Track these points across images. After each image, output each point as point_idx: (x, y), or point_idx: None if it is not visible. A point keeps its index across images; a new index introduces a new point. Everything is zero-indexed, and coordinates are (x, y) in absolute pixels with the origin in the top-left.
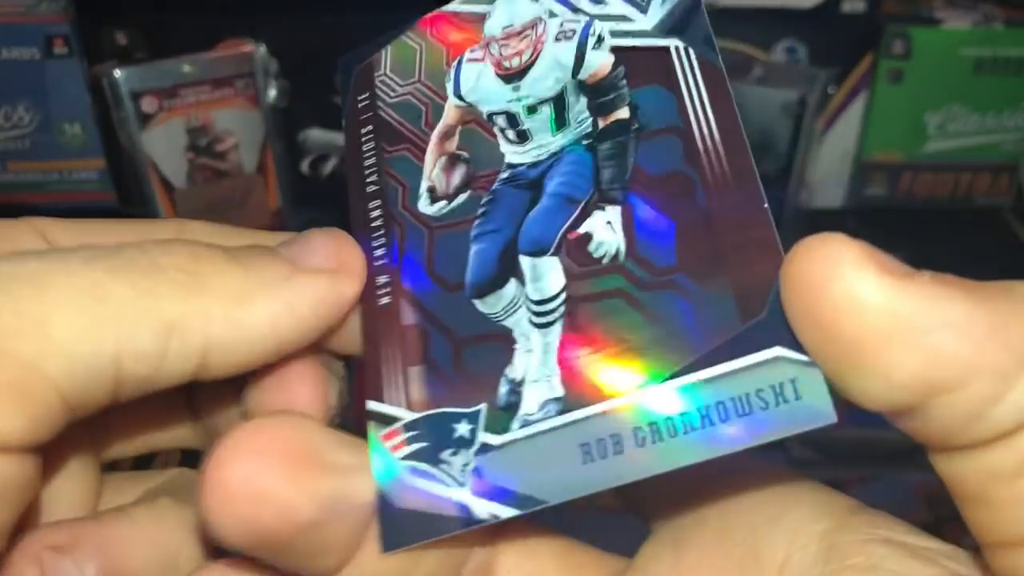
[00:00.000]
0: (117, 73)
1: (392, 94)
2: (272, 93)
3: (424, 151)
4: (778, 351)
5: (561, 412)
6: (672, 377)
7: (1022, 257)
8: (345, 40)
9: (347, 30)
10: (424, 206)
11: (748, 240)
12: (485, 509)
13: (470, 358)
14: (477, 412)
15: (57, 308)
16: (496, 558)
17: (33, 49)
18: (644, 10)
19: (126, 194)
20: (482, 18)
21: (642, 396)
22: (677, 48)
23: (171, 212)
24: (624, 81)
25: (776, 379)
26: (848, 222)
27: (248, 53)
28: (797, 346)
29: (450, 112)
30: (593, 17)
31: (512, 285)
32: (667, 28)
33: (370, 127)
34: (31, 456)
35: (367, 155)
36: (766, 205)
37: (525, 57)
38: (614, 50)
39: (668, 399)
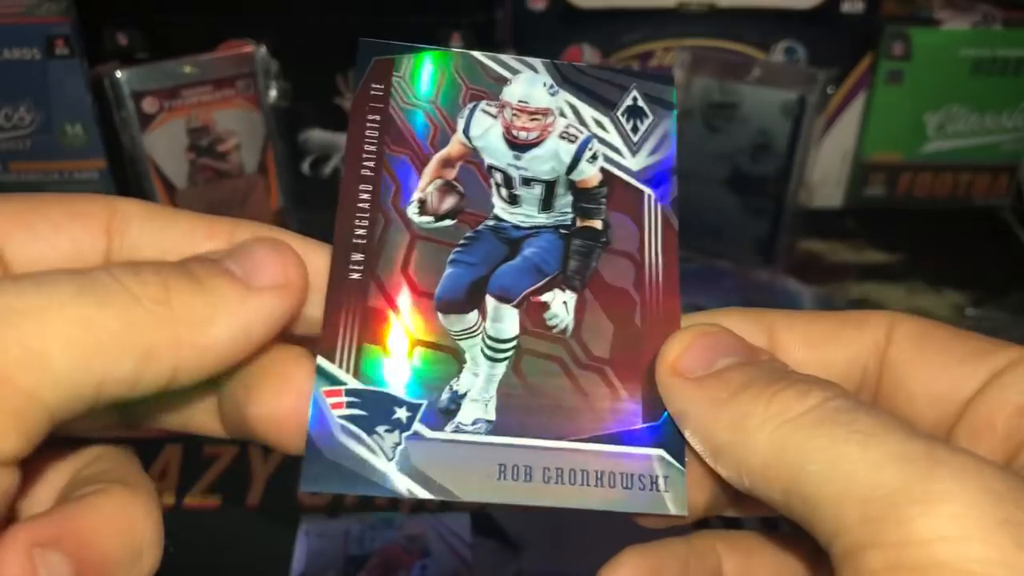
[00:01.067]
0: (118, 74)
1: (406, 100)
2: (273, 94)
3: (423, 164)
4: (661, 452)
5: (489, 432)
6: (583, 441)
7: (1021, 257)
8: (345, 40)
9: (347, 30)
10: (411, 213)
11: None
12: (404, 485)
13: (422, 359)
14: (419, 405)
15: (55, 342)
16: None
17: (34, 49)
18: (634, 153)
19: (127, 194)
20: (502, 80)
21: (556, 446)
22: (650, 196)
23: None
24: (605, 199)
25: (655, 472)
26: (847, 222)
27: (249, 54)
28: (676, 454)
29: (455, 145)
30: (593, 135)
31: (474, 315)
32: (646, 177)
33: (377, 117)
34: (17, 467)
35: (369, 140)
36: None
37: (532, 136)
38: (603, 171)
39: (576, 456)
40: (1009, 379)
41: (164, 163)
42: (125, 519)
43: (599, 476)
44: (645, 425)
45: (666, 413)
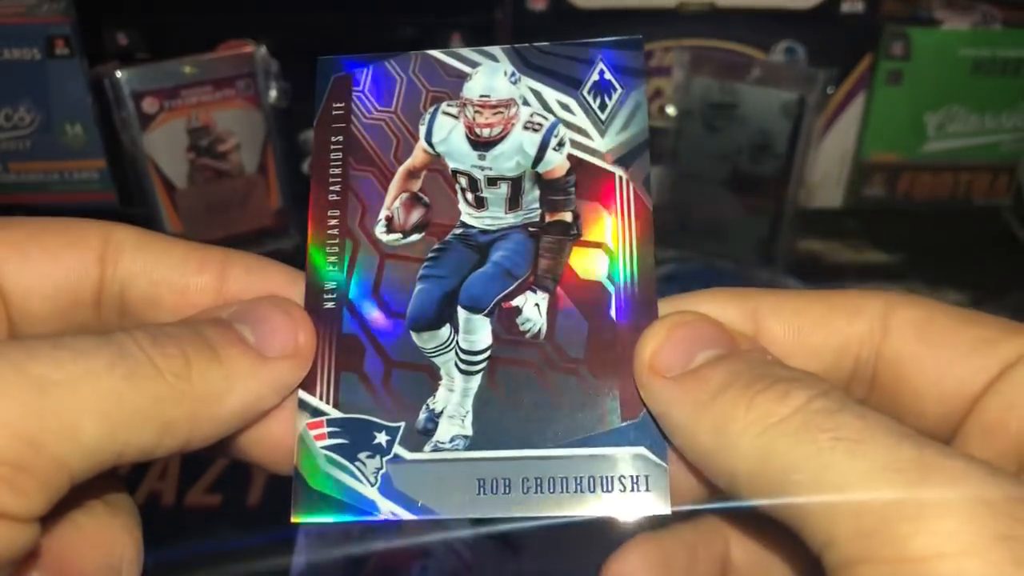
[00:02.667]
0: (118, 74)
1: (367, 115)
2: (273, 94)
3: (388, 180)
4: (642, 450)
5: (467, 448)
6: (559, 447)
7: (1021, 257)
8: (345, 40)
9: (347, 30)
10: (379, 232)
11: None
12: (388, 508)
13: (398, 380)
14: (397, 428)
15: (87, 415)
16: (729, 547)
17: (34, 50)
18: (602, 133)
19: (127, 195)
20: (462, 76)
21: (535, 455)
22: (621, 178)
23: (172, 212)
24: (573, 188)
25: (636, 471)
26: (847, 222)
27: (249, 54)
28: (657, 450)
29: (418, 155)
30: (559, 120)
31: (447, 329)
32: (616, 156)
33: (340, 138)
34: (38, 522)
35: (333, 164)
36: None
37: (495, 131)
38: (570, 157)
39: (554, 463)
40: (1022, 375)
41: (164, 163)
42: (104, 538)
43: (579, 482)
44: (624, 423)
45: (645, 410)
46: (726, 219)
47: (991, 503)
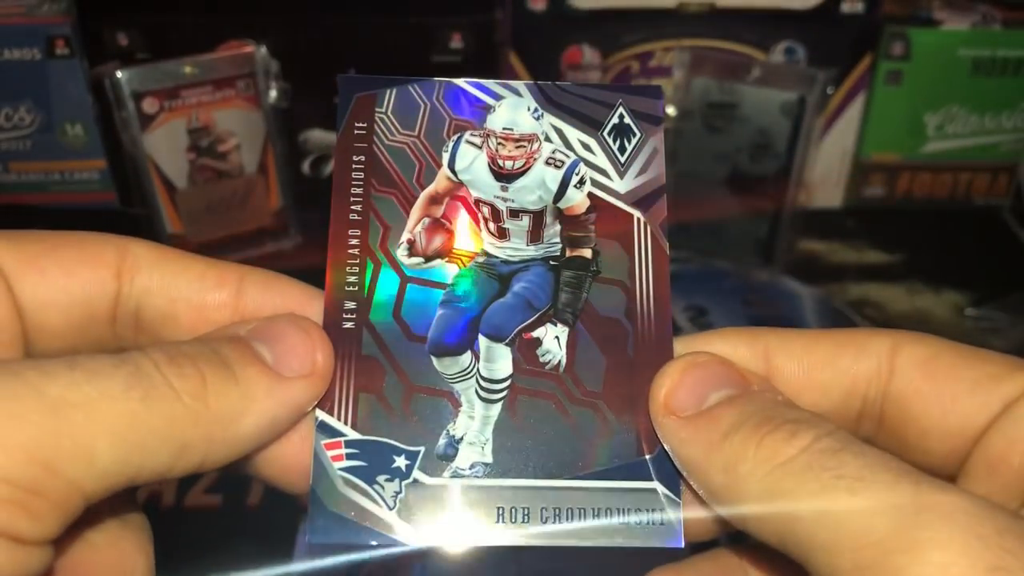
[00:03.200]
0: (119, 74)
1: (390, 137)
2: (273, 94)
3: (410, 203)
4: (656, 485)
5: (487, 475)
6: (576, 478)
7: (1020, 257)
8: (345, 41)
9: (347, 31)
10: (401, 255)
11: None
12: (406, 533)
13: (418, 405)
14: (417, 453)
15: (102, 438)
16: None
17: (35, 50)
18: (622, 175)
19: (127, 195)
20: (486, 108)
21: (553, 485)
22: (639, 220)
23: (172, 213)
24: (593, 226)
25: (650, 505)
26: (847, 222)
27: (249, 54)
28: (671, 486)
29: (441, 181)
30: (580, 159)
31: (468, 356)
32: (635, 198)
33: (362, 157)
34: (52, 544)
35: (355, 183)
36: None
37: (518, 164)
38: (590, 196)
39: (572, 494)
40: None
41: (164, 163)
42: (117, 557)
43: (596, 513)
44: (640, 458)
45: (660, 446)
46: (726, 219)
47: (983, 536)
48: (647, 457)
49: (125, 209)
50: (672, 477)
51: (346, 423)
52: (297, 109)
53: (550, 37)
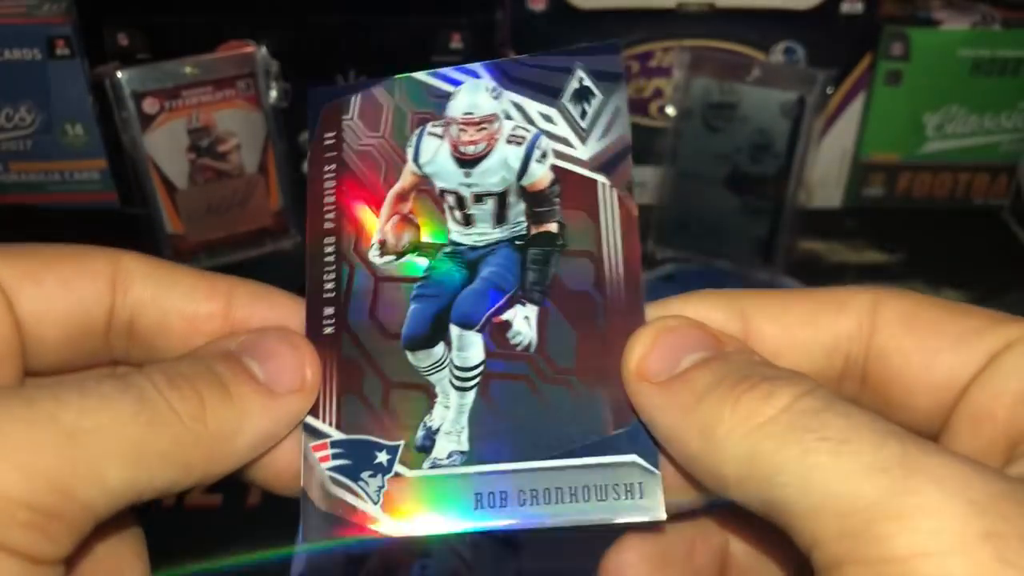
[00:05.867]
0: (119, 74)
1: (358, 142)
2: (273, 94)
3: (381, 205)
4: (634, 458)
5: (464, 463)
6: (553, 457)
7: (1020, 257)
8: (345, 41)
9: (347, 31)
10: (373, 256)
11: None
12: (390, 526)
13: (396, 400)
14: (396, 447)
15: (113, 462)
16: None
17: (35, 50)
18: (584, 141)
19: (128, 195)
20: (446, 96)
21: (530, 467)
22: (603, 185)
23: (172, 213)
24: (558, 199)
25: (629, 479)
26: (846, 222)
27: (250, 54)
28: (649, 457)
29: (407, 176)
30: (541, 132)
31: (441, 347)
32: (598, 163)
33: (333, 166)
34: (63, 563)
35: (328, 192)
36: None
37: (480, 148)
38: (554, 168)
39: (549, 474)
40: (1008, 363)
41: (164, 163)
42: (115, 561)
43: (573, 491)
44: (616, 431)
45: (637, 417)
46: (726, 219)
47: (975, 500)
48: (623, 430)
49: (125, 209)
50: (649, 448)
51: (331, 424)
52: (297, 109)
53: (550, 37)
